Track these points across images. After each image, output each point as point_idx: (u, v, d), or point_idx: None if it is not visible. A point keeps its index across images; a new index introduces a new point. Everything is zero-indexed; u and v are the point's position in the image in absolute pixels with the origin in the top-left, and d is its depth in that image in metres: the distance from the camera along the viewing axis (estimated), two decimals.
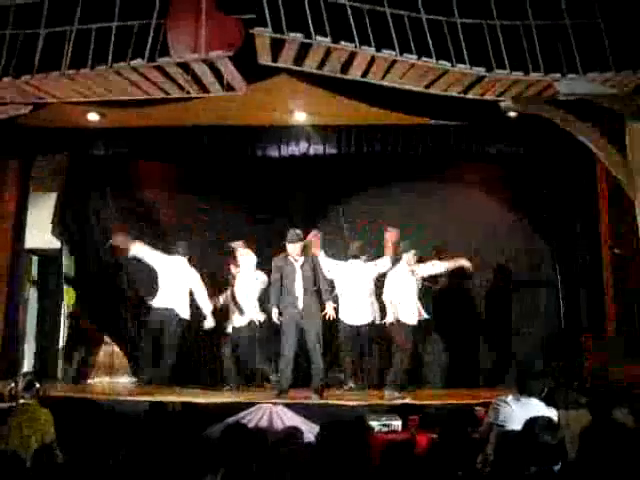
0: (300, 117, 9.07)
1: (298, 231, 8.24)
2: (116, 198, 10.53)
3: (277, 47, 6.78)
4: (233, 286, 9.15)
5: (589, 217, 9.50)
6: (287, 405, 7.12)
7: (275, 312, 7.94)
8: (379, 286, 8.81)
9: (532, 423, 3.69)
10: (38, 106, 7.81)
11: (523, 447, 3.54)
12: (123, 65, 6.76)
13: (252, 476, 3.77)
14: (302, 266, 8.03)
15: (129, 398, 7.57)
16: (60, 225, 10.12)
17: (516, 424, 3.98)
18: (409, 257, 8.60)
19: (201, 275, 9.14)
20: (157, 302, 8.76)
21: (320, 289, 8.07)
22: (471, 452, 4.22)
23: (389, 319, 8.25)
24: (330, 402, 7.45)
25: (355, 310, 8.85)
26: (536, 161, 9.62)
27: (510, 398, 4.72)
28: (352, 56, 6.83)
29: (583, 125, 7.88)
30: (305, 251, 8.19)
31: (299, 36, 6.52)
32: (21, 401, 5.81)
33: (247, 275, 9.05)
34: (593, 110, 7.67)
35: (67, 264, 10.24)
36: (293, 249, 8.06)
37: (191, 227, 10.36)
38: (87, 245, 10.36)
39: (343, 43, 6.60)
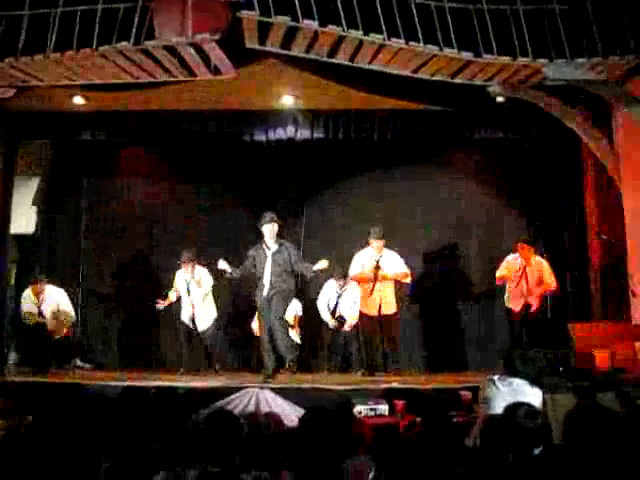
0: (287, 101, 9.03)
1: (271, 213, 8.14)
2: (101, 185, 10.48)
3: (264, 30, 6.74)
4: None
5: (576, 203, 9.54)
6: (274, 389, 7.12)
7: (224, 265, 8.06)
8: None
9: (514, 410, 3.70)
10: (22, 90, 7.74)
11: (504, 433, 3.56)
12: (108, 48, 6.69)
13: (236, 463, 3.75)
14: (274, 254, 7.96)
15: (112, 383, 7.51)
16: (41, 211, 10.09)
17: (501, 404, 3.99)
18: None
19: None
20: None
21: (299, 273, 8.16)
22: (455, 435, 4.23)
23: None
24: (317, 386, 7.45)
25: None
26: (524, 146, 9.64)
27: (497, 378, 4.75)
28: (339, 40, 6.80)
29: (570, 111, 7.90)
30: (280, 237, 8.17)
31: (286, 19, 6.48)
32: None
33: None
34: (581, 96, 7.68)
35: None
36: (266, 231, 7.99)
37: (177, 214, 10.37)
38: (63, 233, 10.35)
39: (330, 27, 6.57)
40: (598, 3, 6.87)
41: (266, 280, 7.90)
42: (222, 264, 8.06)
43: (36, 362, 8.71)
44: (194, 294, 9.14)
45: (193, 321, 9.18)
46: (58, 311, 9.19)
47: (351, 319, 9.01)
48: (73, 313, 9.39)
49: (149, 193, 10.44)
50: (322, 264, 7.94)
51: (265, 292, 7.89)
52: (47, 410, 5.51)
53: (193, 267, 9.13)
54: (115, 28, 6.59)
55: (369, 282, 8.86)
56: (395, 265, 8.90)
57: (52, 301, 9.20)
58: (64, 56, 6.77)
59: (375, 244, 8.88)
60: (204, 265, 9.22)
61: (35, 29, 6.74)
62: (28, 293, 9.20)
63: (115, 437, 4.12)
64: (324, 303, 9.25)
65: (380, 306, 8.83)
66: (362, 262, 8.94)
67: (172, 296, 9.19)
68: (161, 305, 9.14)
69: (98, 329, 10.11)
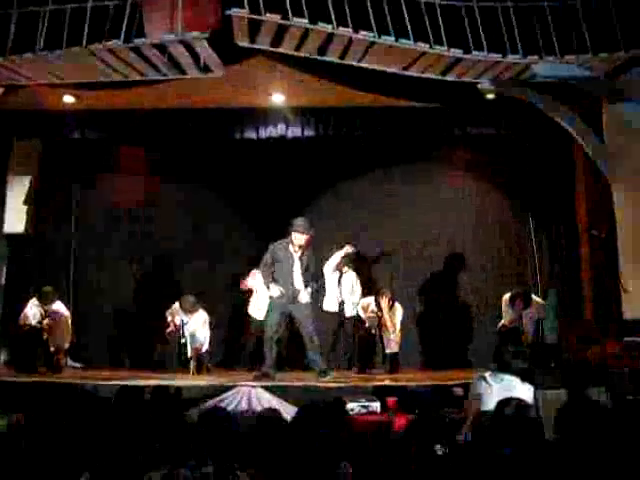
0: (278, 99, 9.02)
1: (306, 222, 8.00)
2: (92, 184, 10.44)
3: (254, 28, 6.74)
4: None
5: (567, 199, 9.57)
6: (266, 387, 7.13)
7: (274, 287, 7.92)
8: None
9: (504, 405, 3.72)
10: (11, 88, 7.71)
11: (496, 429, 3.56)
12: (98, 46, 6.67)
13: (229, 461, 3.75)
14: (301, 257, 7.95)
15: (108, 383, 7.50)
16: (33, 211, 10.05)
17: (492, 400, 4.00)
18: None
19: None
20: None
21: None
22: (449, 431, 4.24)
23: None
24: (309, 384, 7.46)
25: None
26: (515, 144, 9.64)
27: (488, 374, 4.75)
28: (330, 37, 6.80)
29: (561, 108, 7.92)
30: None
31: (276, 17, 6.48)
32: None
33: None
34: (571, 93, 7.71)
35: None
36: (300, 240, 7.90)
37: (168, 213, 10.34)
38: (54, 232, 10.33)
39: (321, 24, 6.57)
40: (587, 0, 6.90)
41: (297, 282, 7.90)
42: (274, 290, 7.93)
43: (25, 366, 8.64)
44: (189, 331, 9.14)
45: (185, 344, 9.18)
46: (60, 328, 9.13)
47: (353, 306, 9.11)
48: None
49: (140, 191, 10.37)
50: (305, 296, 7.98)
51: (291, 294, 7.90)
52: (37, 410, 5.49)
53: (193, 312, 9.11)
54: (105, 26, 6.57)
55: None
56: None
57: (57, 316, 9.14)
58: (53, 55, 6.74)
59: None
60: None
61: (24, 27, 6.71)
62: (36, 306, 9.08)
63: (108, 436, 4.11)
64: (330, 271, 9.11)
65: None
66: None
67: (177, 320, 9.16)
68: (172, 327, 9.13)
69: (89, 327, 10.06)
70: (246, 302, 9.41)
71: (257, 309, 9.19)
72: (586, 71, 7.17)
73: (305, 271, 7.98)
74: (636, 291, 7.44)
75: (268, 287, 8.01)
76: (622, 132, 7.63)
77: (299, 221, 7.98)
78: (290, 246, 7.95)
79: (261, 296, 9.05)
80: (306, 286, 7.96)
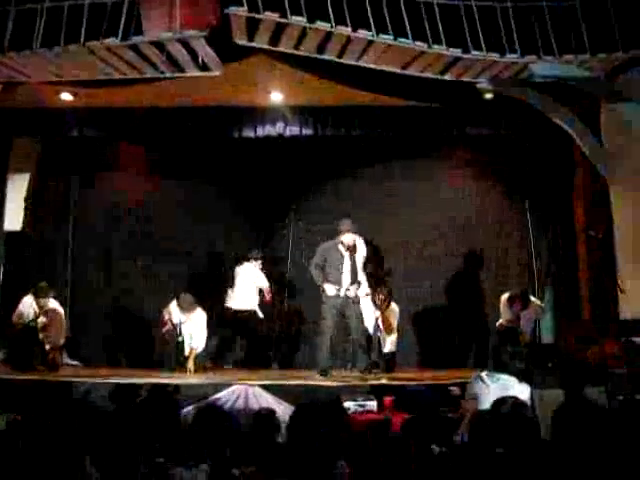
0: (277, 98, 9.01)
1: (349, 221, 8.15)
2: (91, 182, 10.43)
3: (253, 27, 6.73)
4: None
5: (565, 199, 9.56)
6: (263, 386, 7.12)
7: (329, 286, 7.99)
8: None
9: (501, 405, 3.71)
10: (9, 86, 7.69)
11: (492, 429, 3.56)
12: (96, 44, 6.66)
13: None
14: (351, 255, 8.06)
15: (105, 381, 7.48)
16: (31, 210, 10.04)
17: (490, 400, 3.99)
18: None
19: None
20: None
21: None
22: (446, 431, 4.24)
23: None
24: (306, 383, 7.45)
25: None
26: (514, 144, 9.63)
27: (485, 374, 4.74)
28: (328, 36, 6.79)
29: (559, 108, 7.92)
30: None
31: (275, 16, 6.47)
32: None
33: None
34: (570, 93, 7.70)
35: None
36: (350, 239, 8.05)
37: (166, 211, 10.32)
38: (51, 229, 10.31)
39: (319, 23, 6.56)
40: (586, 0, 6.89)
41: (345, 281, 8.00)
42: (330, 289, 8.00)
43: (22, 364, 8.61)
44: (186, 330, 9.10)
45: (182, 343, 9.16)
46: (54, 326, 9.10)
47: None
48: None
49: (137, 189, 10.37)
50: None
51: (343, 292, 8.00)
52: (35, 408, 5.48)
53: (191, 311, 9.03)
54: (103, 24, 6.55)
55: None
56: None
57: (52, 314, 9.11)
58: (51, 52, 6.73)
59: None
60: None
61: (22, 24, 6.69)
62: (30, 303, 9.11)
63: (105, 435, 4.11)
64: None
65: None
66: None
67: (174, 319, 9.12)
68: (168, 326, 9.08)
69: (87, 326, 10.05)
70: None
71: (233, 300, 9.38)
72: (585, 71, 7.16)
73: (363, 267, 8.14)
74: (634, 291, 7.44)
75: (323, 287, 8.07)
76: (620, 132, 7.64)
77: (347, 221, 8.12)
78: (340, 246, 8.08)
79: (239, 288, 9.27)
80: (354, 282, 8.06)
